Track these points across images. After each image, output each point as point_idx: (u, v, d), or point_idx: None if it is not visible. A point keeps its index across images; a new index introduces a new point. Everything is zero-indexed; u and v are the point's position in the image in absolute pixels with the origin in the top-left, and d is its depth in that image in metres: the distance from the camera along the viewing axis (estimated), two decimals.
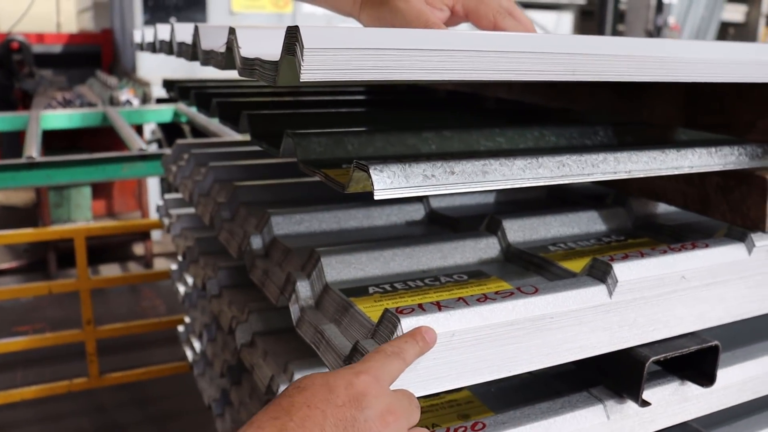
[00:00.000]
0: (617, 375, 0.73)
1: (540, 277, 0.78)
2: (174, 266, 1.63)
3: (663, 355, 0.71)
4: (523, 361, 0.65)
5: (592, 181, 0.70)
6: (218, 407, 1.29)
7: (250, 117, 0.88)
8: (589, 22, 8.41)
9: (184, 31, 0.98)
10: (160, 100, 3.74)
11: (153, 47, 1.16)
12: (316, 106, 1.17)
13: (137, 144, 2.11)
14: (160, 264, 3.90)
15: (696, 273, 0.74)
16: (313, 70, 0.49)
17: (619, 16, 7.73)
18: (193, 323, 1.46)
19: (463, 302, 0.62)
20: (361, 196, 1.10)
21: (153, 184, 3.89)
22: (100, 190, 3.92)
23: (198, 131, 3.43)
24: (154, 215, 3.82)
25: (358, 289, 0.73)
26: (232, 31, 0.67)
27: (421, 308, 0.61)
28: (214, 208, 1.09)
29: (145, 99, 3.61)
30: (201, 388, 1.43)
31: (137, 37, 1.35)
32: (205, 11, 4.15)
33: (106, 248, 3.82)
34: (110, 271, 3.73)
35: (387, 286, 0.74)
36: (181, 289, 1.54)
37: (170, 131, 3.86)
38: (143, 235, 3.67)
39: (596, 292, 0.68)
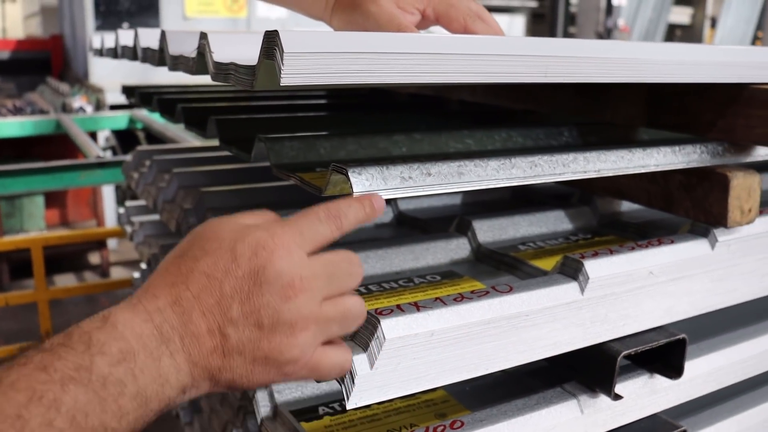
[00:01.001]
0: (589, 370, 0.75)
1: (512, 276, 0.79)
2: (136, 274, 1.61)
3: (634, 349, 0.73)
4: (500, 359, 0.66)
5: (559, 180, 0.72)
6: (187, 415, 1.27)
7: (218, 122, 0.88)
8: (541, 24, 8.56)
9: (148, 37, 0.97)
10: (114, 107, 3.68)
11: (114, 53, 1.14)
12: (280, 110, 1.16)
13: (94, 151, 2.07)
14: (116, 273, 3.83)
15: (663, 268, 0.76)
16: (293, 74, 0.49)
17: (570, 19, 7.88)
18: None
19: (441, 302, 0.63)
20: (328, 199, 1.10)
21: (108, 192, 3.82)
22: (54, 199, 3.83)
23: (154, 137, 3.39)
24: (110, 223, 3.75)
25: None
26: (203, 36, 0.67)
27: (400, 309, 0.61)
28: (180, 215, 1.08)
29: (98, 106, 3.54)
30: None
31: (96, 43, 1.33)
32: (158, 16, 4.10)
33: (61, 258, 3.74)
34: (65, 281, 3.64)
35: (362, 288, 0.74)
36: None
37: (124, 138, 3.80)
38: (99, 243, 3.60)
39: (568, 289, 0.70)
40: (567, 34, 7.78)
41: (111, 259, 3.83)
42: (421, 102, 1.33)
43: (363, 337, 0.60)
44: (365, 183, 0.56)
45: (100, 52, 1.29)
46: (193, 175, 1.22)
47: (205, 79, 0.71)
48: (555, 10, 7.75)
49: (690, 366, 0.80)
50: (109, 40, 1.22)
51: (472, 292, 0.66)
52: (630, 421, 0.78)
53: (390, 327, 0.59)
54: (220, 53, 0.65)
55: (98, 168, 1.96)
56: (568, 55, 0.61)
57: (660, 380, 0.79)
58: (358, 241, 0.91)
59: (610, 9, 7.34)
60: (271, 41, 0.50)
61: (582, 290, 0.70)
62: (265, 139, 0.73)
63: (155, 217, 1.45)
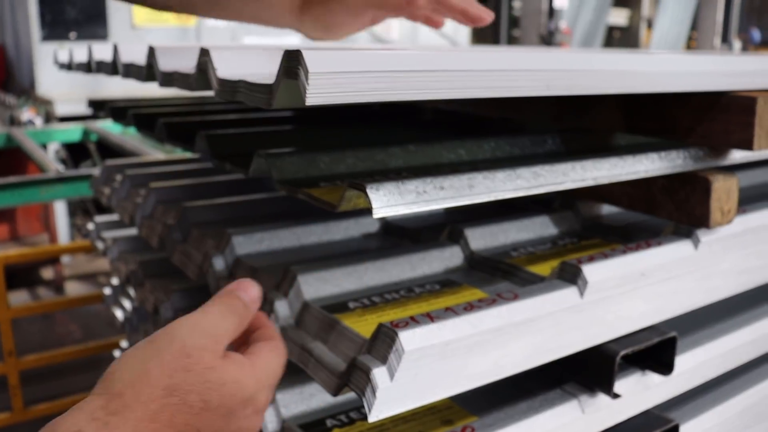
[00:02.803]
0: (587, 370, 0.77)
1: (508, 283, 0.81)
2: (107, 290, 1.58)
3: (631, 349, 0.75)
4: (509, 365, 0.67)
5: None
6: None
7: (208, 138, 0.87)
8: (485, 28, 8.69)
9: (128, 52, 0.96)
10: (63, 119, 3.59)
11: (88, 67, 1.12)
12: (262, 123, 1.16)
13: (53, 166, 2.02)
14: (71, 288, 3.74)
15: (653, 269, 0.79)
16: (318, 94, 0.50)
17: (514, 22, 8.02)
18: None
19: (453, 312, 0.64)
20: (311, 211, 1.10)
21: (60, 206, 3.72)
22: (2, 214, 3.72)
23: (106, 150, 3.32)
24: (62, 238, 3.66)
25: (338, 305, 0.74)
26: (205, 52, 0.67)
27: (414, 320, 0.62)
28: (164, 230, 1.07)
29: (47, 118, 3.45)
30: None
31: (62, 57, 1.31)
32: (106, 26, 4.02)
33: (12, 274, 3.63)
34: (19, 297, 3.54)
35: (365, 300, 0.75)
36: (119, 314, 1.49)
37: (75, 151, 3.72)
38: (52, 258, 3.51)
39: (569, 293, 0.72)
40: (511, 38, 7.92)
41: (65, 273, 3.73)
42: (395, 112, 1.34)
43: (381, 350, 0.61)
44: (383, 198, 0.57)
45: (69, 66, 1.27)
46: (171, 189, 1.21)
47: (157, 90, 0.72)
48: (498, 14, 7.87)
49: (677, 362, 0.83)
50: (79, 54, 1.20)
51: (479, 300, 0.67)
52: (626, 418, 0.81)
53: (408, 339, 0.60)
54: (225, 70, 0.65)
55: (59, 183, 1.92)
56: (568, 69, 0.63)
57: (652, 377, 0.82)
58: (351, 252, 0.92)
59: (552, 12, 7.51)
60: (293, 60, 0.51)
61: (581, 294, 0.72)
62: (266, 155, 0.73)
63: (129, 232, 1.42)
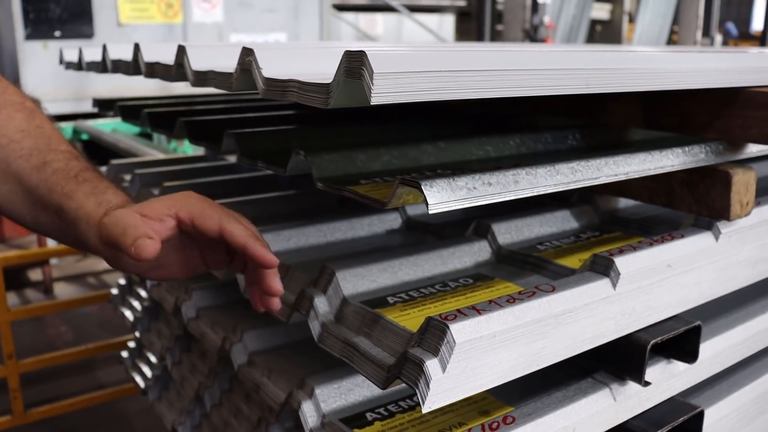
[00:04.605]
0: (618, 359, 0.79)
1: (538, 276, 0.83)
2: (114, 291, 1.58)
3: (660, 338, 0.78)
4: (549, 355, 0.69)
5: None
6: (186, 431, 1.26)
7: (237, 136, 0.88)
8: (468, 23, 8.73)
9: (150, 52, 0.97)
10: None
11: (103, 67, 1.12)
12: (280, 121, 1.17)
13: None
14: (59, 289, 3.72)
15: (678, 261, 0.81)
16: (382, 93, 0.51)
17: (497, 17, 8.06)
18: (149, 347, 1.41)
19: (497, 304, 0.66)
20: (327, 208, 1.12)
21: None
22: None
23: (93, 149, 3.30)
24: (51, 240, 3.62)
25: (377, 300, 0.75)
26: (248, 52, 0.68)
27: (462, 313, 0.64)
28: None
29: None
30: (159, 412, 1.39)
31: (69, 56, 1.30)
32: (92, 23, 3.98)
33: None
34: (8, 299, 3.50)
35: (404, 295, 0.76)
36: (128, 313, 1.49)
37: None
38: (42, 260, 3.48)
39: (602, 285, 0.74)
40: (495, 32, 7.96)
41: (54, 274, 3.70)
42: (403, 107, 1.36)
43: (432, 342, 0.62)
44: (437, 195, 0.58)
45: (79, 66, 1.27)
46: (185, 188, 1.21)
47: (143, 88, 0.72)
48: (482, 9, 7.91)
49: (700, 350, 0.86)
50: (91, 54, 1.20)
51: (520, 293, 0.69)
52: (653, 405, 0.83)
53: (458, 331, 0.61)
54: (268, 69, 0.66)
55: None
56: (605, 68, 0.65)
57: (676, 365, 0.84)
58: (378, 248, 0.94)
59: (535, 7, 7.56)
60: (355, 61, 0.52)
61: (614, 285, 0.74)
62: (304, 153, 0.74)
63: None
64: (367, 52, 0.51)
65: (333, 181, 0.72)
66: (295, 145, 0.78)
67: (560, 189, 0.67)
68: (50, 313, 3.24)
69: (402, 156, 0.79)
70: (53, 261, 3.79)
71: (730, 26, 12.43)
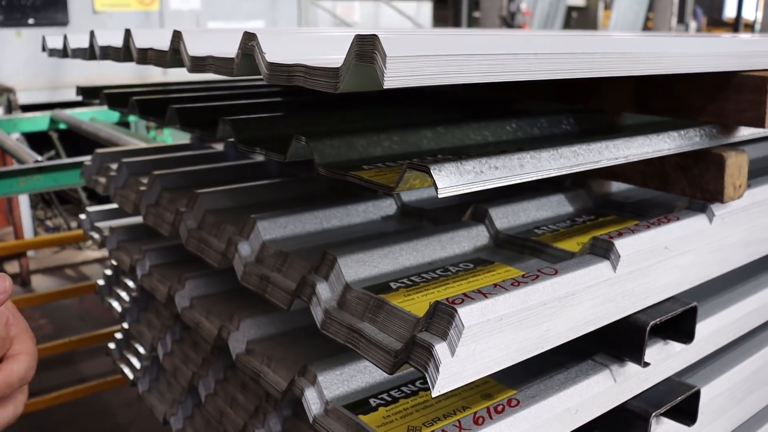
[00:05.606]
0: (617, 341, 0.80)
1: (537, 259, 0.83)
2: (101, 281, 1.56)
3: (659, 319, 0.79)
4: (553, 337, 0.70)
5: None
6: (178, 422, 1.26)
7: (233, 123, 0.87)
8: (445, 10, 8.72)
9: (141, 38, 0.95)
10: (25, 108, 3.50)
11: (91, 53, 1.10)
12: (276, 107, 1.16)
13: (30, 156, 1.98)
14: (37, 282, 3.67)
15: (675, 243, 0.82)
16: (395, 77, 0.51)
17: (475, 4, 8.07)
18: (139, 338, 1.40)
19: (502, 288, 0.66)
20: (317, 195, 1.11)
21: (23, 199, 3.63)
22: None
23: (69, 139, 3.24)
24: (26, 231, 3.58)
25: (380, 286, 0.75)
26: (250, 36, 0.67)
27: (468, 297, 0.64)
28: (177, 218, 1.06)
29: (10, 107, 3.36)
30: (150, 404, 1.38)
31: (53, 43, 1.28)
32: (66, 11, 3.91)
33: None
34: None
35: (406, 281, 0.76)
36: (116, 304, 1.48)
37: (35, 140, 3.63)
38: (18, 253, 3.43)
39: (603, 267, 0.75)
40: (472, 19, 7.96)
41: (31, 266, 3.65)
42: (393, 92, 1.35)
43: (440, 326, 0.62)
44: (446, 179, 0.58)
45: (64, 53, 1.24)
46: (176, 176, 1.21)
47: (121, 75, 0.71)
48: None
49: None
50: (78, 40, 1.18)
51: (524, 276, 0.69)
52: (651, 385, 0.84)
53: (466, 314, 0.61)
54: (270, 54, 0.66)
55: (38, 173, 1.88)
56: (610, 52, 0.65)
57: (673, 346, 0.86)
58: (375, 235, 0.93)
59: None
60: (367, 44, 0.52)
61: (614, 268, 0.75)
62: (306, 139, 0.74)
63: (127, 221, 1.41)
64: (380, 36, 0.51)
65: (335, 167, 0.72)
66: (293, 131, 0.77)
67: (564, 172, 0.68)
68: (29, 306, 3.20)
69: (402, 141, 0.79)
70: (30, 253, 3.74)
71: (698, 12, 12.62)
